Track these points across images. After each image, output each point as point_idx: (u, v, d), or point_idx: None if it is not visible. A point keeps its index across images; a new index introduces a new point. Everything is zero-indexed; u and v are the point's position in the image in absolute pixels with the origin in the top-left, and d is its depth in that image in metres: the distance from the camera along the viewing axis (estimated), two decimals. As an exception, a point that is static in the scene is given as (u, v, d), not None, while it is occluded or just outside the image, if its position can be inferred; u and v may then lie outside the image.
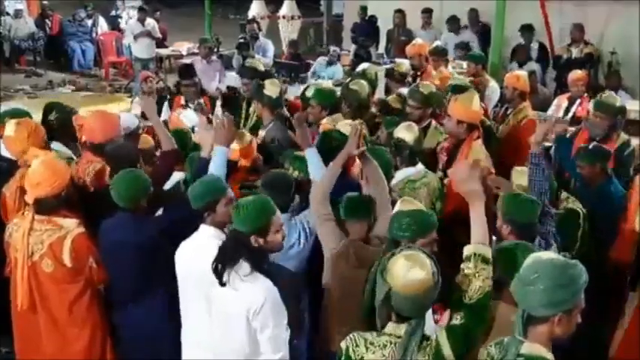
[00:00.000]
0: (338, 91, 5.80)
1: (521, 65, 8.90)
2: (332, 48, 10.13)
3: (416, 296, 2.42)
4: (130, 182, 3.65)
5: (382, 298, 2.47)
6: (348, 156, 3.76)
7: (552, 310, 2.26)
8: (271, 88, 5.44)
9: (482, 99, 5.89)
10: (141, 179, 3.71)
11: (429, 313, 2.92)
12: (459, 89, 5.13)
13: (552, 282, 2.23)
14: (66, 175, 3.74)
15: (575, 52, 9.17)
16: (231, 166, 4.21)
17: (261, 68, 6.76)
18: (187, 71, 6.79)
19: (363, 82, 5.67)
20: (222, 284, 3.01)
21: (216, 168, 3.87)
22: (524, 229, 3.38)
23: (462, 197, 4.30)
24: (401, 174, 4.37)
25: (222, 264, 3.01)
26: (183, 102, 6.27)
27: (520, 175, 4.10)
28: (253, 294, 2.96)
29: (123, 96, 11.86)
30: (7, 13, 14.07)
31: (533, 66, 9.10)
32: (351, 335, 2.59)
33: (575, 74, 6.96)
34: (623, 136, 5.11)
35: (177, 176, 4.31)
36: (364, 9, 12.41)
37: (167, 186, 4.26)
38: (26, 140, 4.15)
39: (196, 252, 3.38)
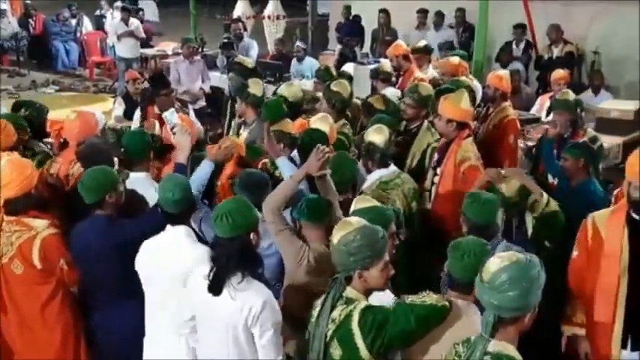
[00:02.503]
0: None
1: (504, 65, 8.92)
2: (296, 44, 10.04)
3: (332, 248, 2.80)
4: (95, 176, 3.61)
5: None
6: (307, 174, 3.59)
7: (525, 311, 2.32)
8: (255, 87, 5.42)
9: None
10: (107, 175, 3.66)
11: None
12: (445, 91, 5.15)
13: (523, 286, 2.26)
14: (33, 173, 3.69)
15: (556, 52, 9.23)
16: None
17: (250, 66, 6.73)
18: (162, 81, 6.60)
19: (345, 82, 5.65)
20: (218, 294, 2.92)
21: (196, 179, 3.82)
22: (479, 229, 3.42)
23: (450, 196, 4.39)
24: (373, 176, 4.34)
25: (223, 275, 2.91)
26: (157, 111, 6.06)
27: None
28: (251, 300, 2.88)
29: (107, 96, 11.82)
30: (-10, 13, 13.99)
31: (517, 65, 9.13)
32: None
33: (558, 74, 6.99)
34: (590, 132, 5.23)
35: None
36: (348, 8, 12.40)
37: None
38: None
39: (169, 252, 3.34)
